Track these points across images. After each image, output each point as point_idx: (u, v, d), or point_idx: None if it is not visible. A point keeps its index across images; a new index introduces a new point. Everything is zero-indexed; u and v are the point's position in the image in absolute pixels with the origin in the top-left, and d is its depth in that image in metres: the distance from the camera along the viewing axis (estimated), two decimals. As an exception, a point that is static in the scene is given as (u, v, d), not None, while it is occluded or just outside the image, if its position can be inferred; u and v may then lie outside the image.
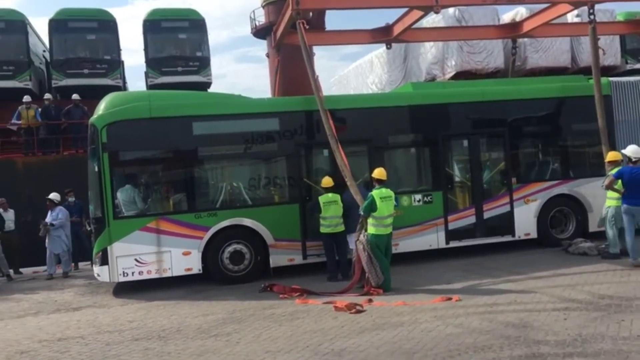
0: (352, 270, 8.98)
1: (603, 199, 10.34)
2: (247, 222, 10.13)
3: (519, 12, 16.84)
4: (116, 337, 7.07)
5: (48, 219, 12.22)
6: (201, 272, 9.97)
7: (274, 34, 14.13)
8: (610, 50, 18.24)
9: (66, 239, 12.38)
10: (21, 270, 13.26)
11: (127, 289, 10.11)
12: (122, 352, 6.36)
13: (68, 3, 43.58)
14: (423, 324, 6.60)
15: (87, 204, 11.06)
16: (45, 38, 20.09)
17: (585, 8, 11.61)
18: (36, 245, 12.42)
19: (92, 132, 9.83)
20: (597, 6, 11.70)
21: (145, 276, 9.72)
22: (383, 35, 13.76)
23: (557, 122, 11.96)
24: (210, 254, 9.95)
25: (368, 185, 9.95)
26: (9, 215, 12.80)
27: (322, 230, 9.83)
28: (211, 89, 20.67)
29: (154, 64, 20.51)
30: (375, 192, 8.73)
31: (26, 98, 16.22)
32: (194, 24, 20.98)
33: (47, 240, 12.27)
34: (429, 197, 10.98)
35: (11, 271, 12.82)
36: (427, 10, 11.76)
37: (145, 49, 20.84)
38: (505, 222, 11.28)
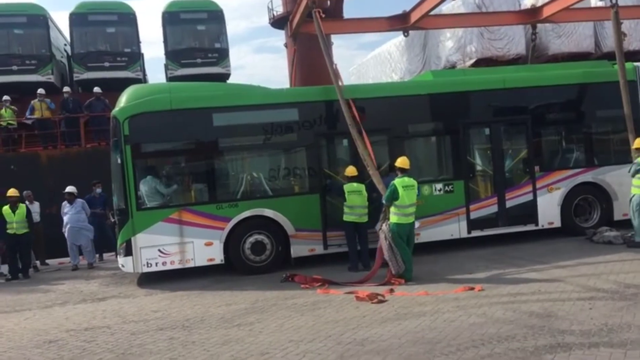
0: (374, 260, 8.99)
1: (629, 187, 10.17)
2: (268, 212, 10.17)
3: (540, -4, 16.56)
4: (141, 326, 7.18)
5: (68, 211, 12.41)
6: (223, 262, 10.06)
7: (290, 23, 14.09)
8: (636, 34, 17.85)
9: (88, 231, 12.58)
10: (47, 261, 13.51)
11: (151, 280, 10.25)
12: (148, 342, 6.45)
13: (88, -4, 43.70)
14: (445, 314, 6.57)
15: (110, 195, 11.22)
16: (66, 32, 20.33)
17: (610, -9, 11.36)
18: (60, 237, 12.64)
19: (114, 125, 9.93)
20: (621, -10, 11.45)
21: (168, 267, 9.84)
22: (400, 22, 13.63)
23: (580, 109, 11.77)
24: (231, 244, 10.03)
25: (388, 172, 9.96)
26: (35, 208, 13.03)
27: (346, 218, 9.82)
28: (230, 80, 20.74)
29: (173, 56, 20.66)
30: (398, 181, 8.70)
31: (40, 91, 16.44)
32: (212, 15, 21.05)
33: (66, 232, 12.48)
34: (450, 187, 10.90)
35: (37, 262, 13.08)
36: None
37: (165, 41, 20.97)
38: (528, 211, 11.15)
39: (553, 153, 11.89)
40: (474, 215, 10.94)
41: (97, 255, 13.20)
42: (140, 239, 9.69)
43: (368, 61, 25.93)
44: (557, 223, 11.30)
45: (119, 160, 9.72)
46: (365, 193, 9.77)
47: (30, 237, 12.06)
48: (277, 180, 10.64)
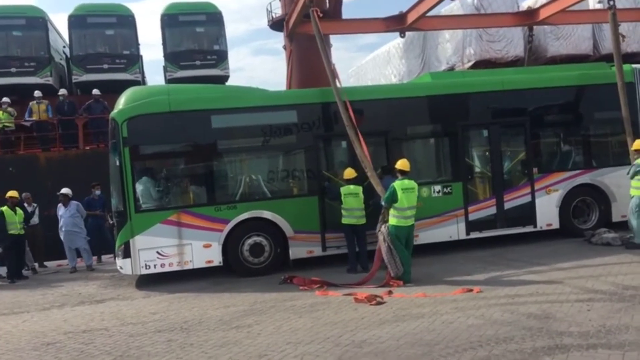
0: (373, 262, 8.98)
1: (627, 189, 10.19)
2: (267, 214, 10.17)
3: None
4: (139, 328, 7.17)
5: (63, 214, 12.41)
6: (222, 264, 10.05)
7: (287, 23, 14.07)
8: (634, 37, 17.86)
9: (83, 234, 12.58)
10: (45, 263, 13.50)
11: (150, 282, 10.24)
12: (146, 344, 6.44)
13: (87, -1, 43.78)
14: (444, 316, 6.57)
15: (108, 197, 11.22)
16: (65, 34, 20.34)
17: (608, -6, 11.39)
18: (59, 239, 12.63)
19: (112, 127, 9.94)
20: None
21: (167, 269, 9.83)
22: (397, 23, 13.64)
23: (578, 111, 11.79)
24: (230, 246, 10.02)
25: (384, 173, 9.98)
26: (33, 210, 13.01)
27: (344, 221, 9.83)
28: (229, 82, 20.76)
29: (172, 58, 20.70)
30: (397, 183, 8.69)
31: (37, 93, 16.48)
32: (211, 17, 21.10)
33: (62, 235, 12.48)
34: (448, 188, 10.91)
35: (36, 264, 13.07)
36: None
37: (164, 43, 21.01)
38: (527, 213, 11.16)
39: (551, 155, 11.91)
40: (472, 216, 10.94)
41: (95, 258, 13.19)
42: (139, 241, 9.68)
43: (367, 63, 25.96)
44: (556, 225, 11.31)
45: (118, 162, 9.72)
46: (362, 195, 9.76)
47: (25, 238, 12.18)
48: (276, 182, 10.64)
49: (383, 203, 8.79)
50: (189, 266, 9.90)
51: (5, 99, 16.28)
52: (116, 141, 9.78)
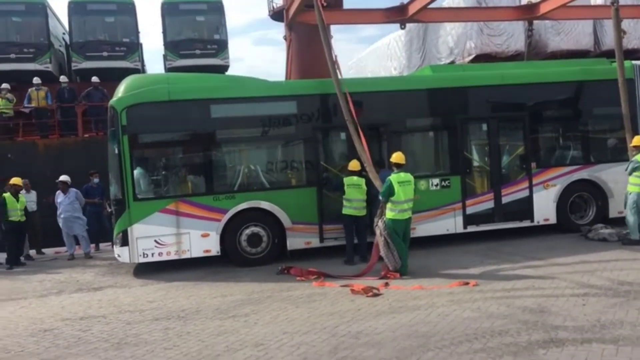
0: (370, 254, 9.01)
1: (624, 185, 10.23)
2: (265, 205, 10.18)
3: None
4: (137, 316, 7.20)
5: (62, 201, 12.42)
6: (219, 254, 10.08)
7: (287, 11, 13.98)
8: (635, 33, 17.86)
9: (82, 220, 12.60)
10: (43, 250, 13.51)
11: (147, 270, 10.27)
12: (143, 332, 6.47)
13: (86, -15, 43.43)
14: (440, 308, 6.61)
15: (107, 185, 11.21)
16: (65, 20, 20.23)
17: (611, -11, 11.34)
18: (57, 226, 12.64)
19: (111, 115, 9.91)
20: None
21: (164, 257, 9.84)
22: (397, 14, 13.60)
23: (578, 106, 11.78)
24: (228, 236, 10.04)
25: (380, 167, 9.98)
26: (31, 197, 13.02)
27: (345, 211, 9.84)
28: (229, 72, 20.71)
29: (172, 46, 20.63)
30: (394, 177, 8.70)
31: (36, 80, 16.39)
32: (212, 6, 21.03)
33: (61, 222, 12.51)
34: (446, 182, 10.92)
35: (33, 251, 13.09)
36: None
37: (164, 32, 20.92)
38: (524, 207, 11.19)
39: (550, 150, 11.92)
40: (470, 210, 10.96)
41: (93, 245, 13.21)
42: (137, 230, 9.69)
43: (367, 55, 25.93)
44: (553, 219, 11.35)
45: (116, 151, 9.70)
46: (364, 187, 9.77)
47: (28, 225, 12.24)
48: (275, 173, 10.65)
49: (380, 197, 8.80)
50: (187, 255, 9.92)
51: (5, 85, 16.22)
52: (115, 129, 9.76)
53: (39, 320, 7.35)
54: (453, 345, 5.31)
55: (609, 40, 18.22)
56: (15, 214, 11.78)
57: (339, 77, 10.33)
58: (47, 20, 18.95)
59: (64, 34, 21.29)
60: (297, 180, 10.68)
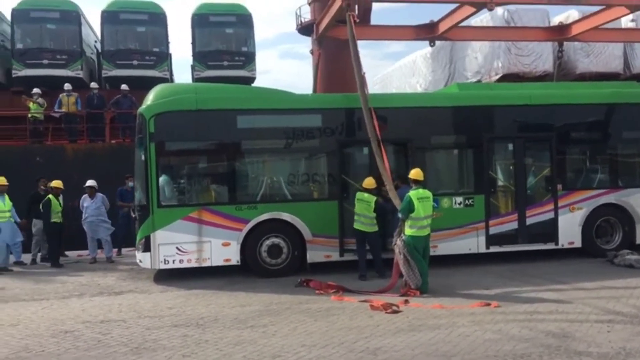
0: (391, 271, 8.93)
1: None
2: (286, 216, 10.20)
3: (570, 15, 16.41)
4: (156, 322, 7.24)
5: (89, 206, 12.61)
6: (239, 263, 10.10)
7: (317, 26, 14.08)
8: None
9: (107, 224, 12.78)
10: (66, 253, 13.68)
11: (168, 276, 10.34)
12: (162, 337, 6.50)
13: (119, -5, 44.44)
14: (460, 328, 6.52)
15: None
16: (97, 28, 20.68)
17: (641, 13, 11.25)
18: (80, 230, 12.82)
19: (140, 122, 10.06)
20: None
21: (185, 265, 9.90)
22: (427, 32, 13.59)
23: (606, 129, 11.62)
24: (248, 246, 10.07)
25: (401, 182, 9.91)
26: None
27: (355, 225, 9.84)
28: (255, 84, 20.90)
29: (200, 57, 20.92)
30: (413, 193, 8.63)
31: (67, 86, 16.73)
32: (241, 19, 21.30)
33: (86, 226, 12.71)
34: (470, 200, 10.82)
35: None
36: (480, 7, 11.47)
37: (193, 43, 21.25)
38: (549, 230, 11.01)
39: (576, 172, 11.73)
40: (493, 230, 10.83)
41: (116, 250, 13.34)
42: (159, 236, 9.78)
43: (393, 71, 25.93)
44: (578, 243, 11.14)
45: (143, 157, 9.83)
46: (373, 206, 9.65)
47: (64, 226, 12.70)
48: (297, 185, 10.67)
49: (400, 215, 8.73)
50: (207, 263, 9.97)
51: (36, 90, 16.60)
52: (143, 136, 9.90)
53: (60, 321, 7.43)
54: (473, 366, 5.23)
55: (639, 63, 17.99)
56: (57, 216, 12.26)
57: (366, 93, 10.34)
58: (80, 28, 19.41)
59: (95, 41, 21.76)
60: (319, 193, 10.69)
